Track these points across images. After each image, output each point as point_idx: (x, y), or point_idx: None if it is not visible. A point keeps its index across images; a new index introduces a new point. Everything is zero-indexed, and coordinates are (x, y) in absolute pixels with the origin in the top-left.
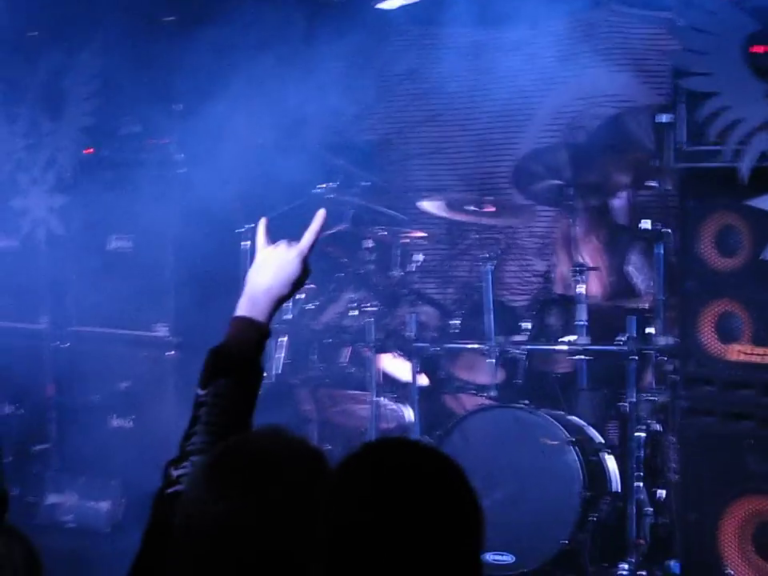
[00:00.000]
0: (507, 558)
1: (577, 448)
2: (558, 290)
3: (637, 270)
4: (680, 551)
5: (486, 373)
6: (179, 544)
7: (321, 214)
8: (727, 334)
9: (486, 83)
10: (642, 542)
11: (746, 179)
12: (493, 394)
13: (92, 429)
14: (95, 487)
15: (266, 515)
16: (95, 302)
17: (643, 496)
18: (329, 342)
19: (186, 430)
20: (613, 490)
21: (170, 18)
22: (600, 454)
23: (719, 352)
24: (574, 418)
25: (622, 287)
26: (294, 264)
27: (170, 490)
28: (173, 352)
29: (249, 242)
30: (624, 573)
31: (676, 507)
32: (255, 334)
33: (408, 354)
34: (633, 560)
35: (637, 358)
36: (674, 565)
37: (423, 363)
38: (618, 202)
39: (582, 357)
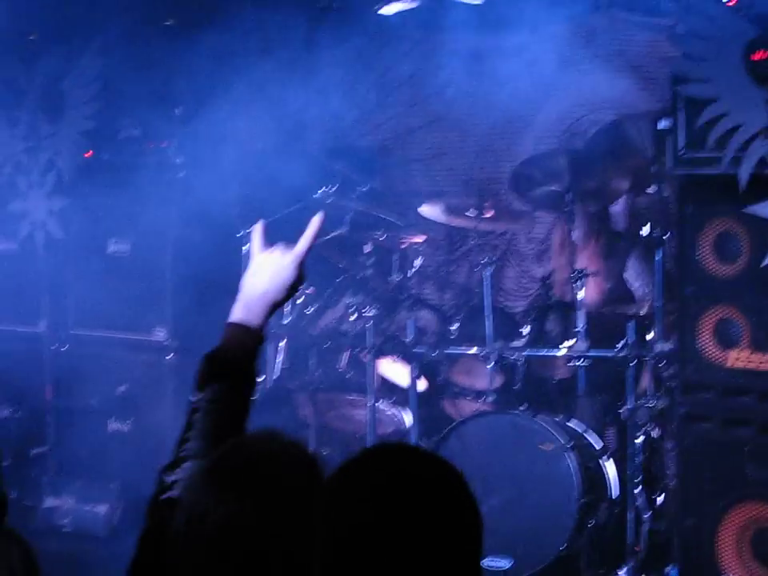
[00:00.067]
0: (505, 564)
1: (575, 454)
2: (557, 295)
3: (635, 276)
4: (678, 557)
5: (484, 378)
6: (178, 549)
7: (316, 220)
8: (726, 340)
9: (486, 89)
10: (639, 547)
11: (745, 186)
12: (491, 399)
13: (90, 432)
14: (93, 491)
15: (266, 518)
16: (94, 306)
17: (641, 502)
18: (327, 346)
19: (180, 436)
20: (611, 495)
21: (170, 22)
22: (598, 460)
23: (718, 358)
24: (572, 423)
25: (620, 293)
26: (290, 269)
27: (163, 496)
28: (171, 356)
29: (248, 246)
30: None
31: (674, 513)
32: (250, 340)
33: (406, 359)
34: (631, 566)
35: (635, 363)
36: (672, 571)
37: (421, 368)
38: (617, 208)
39: (581, 362)
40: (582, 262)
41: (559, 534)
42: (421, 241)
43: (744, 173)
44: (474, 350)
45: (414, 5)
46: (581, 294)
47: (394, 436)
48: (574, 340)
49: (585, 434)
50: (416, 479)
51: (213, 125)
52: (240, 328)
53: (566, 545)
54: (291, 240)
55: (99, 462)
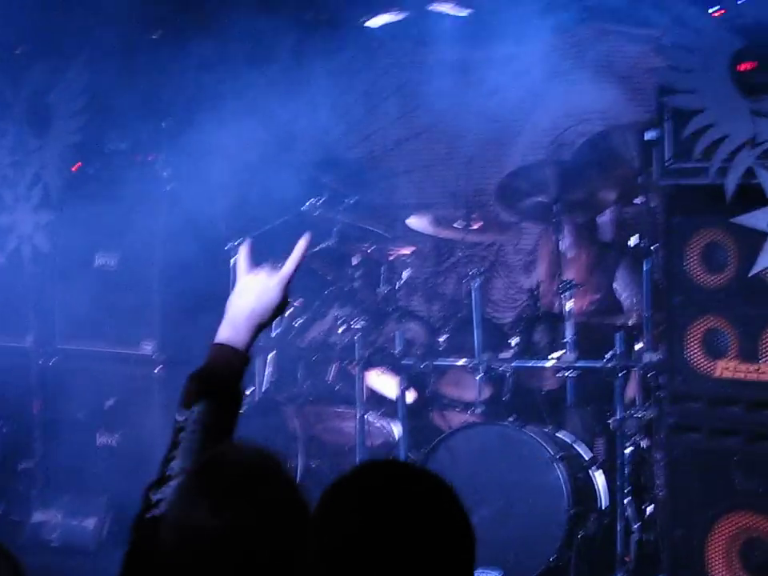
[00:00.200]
0: (494, 574)
1: (564, 464)
2: (545, 306)
3: (623, 287)
4: (667, 567)
5: (472, 389)
6: (170, 564)
7: (302, 242)
8: (714, 351)
9: (473, 100)
10: (629, 558)
11: (731, 196)
12: (479, 410)
13: (78, 446)
14: (81, 505)
15: (261, 526)
16: (81, 319)
17: (631, 512)
18: (315, 358)
19: (166, 454)
20: (600, 506)
21: (157, 35)
22: (587, 471)
23: (706, 368)
24: (561, 434)
25: (608, 303)
26: (275, 291)
27: (149, 514)
28: (159, 369)
29: (235, 259)
30: None
31: (663, 523)
32: (236, 360)
33: (395, 371)
34: (620, 575)
35: (624, 374)
36: None
37: (410, 380)
38: (605, 218)
39: (569, 373)
40: (570, 272)
41: (549, 544)
42: (409, 252)
43: (731, 183)
44: (462, 362)
45: (400, 17)
46: (569, 305)
47: (382, 448)
48: (563, 351)
49: (573, 445)
50: (407, 494)
51: (200, 137)
52: (226, 348)
53: (555, 555)
54: (280, 252)
55: (87, 476)
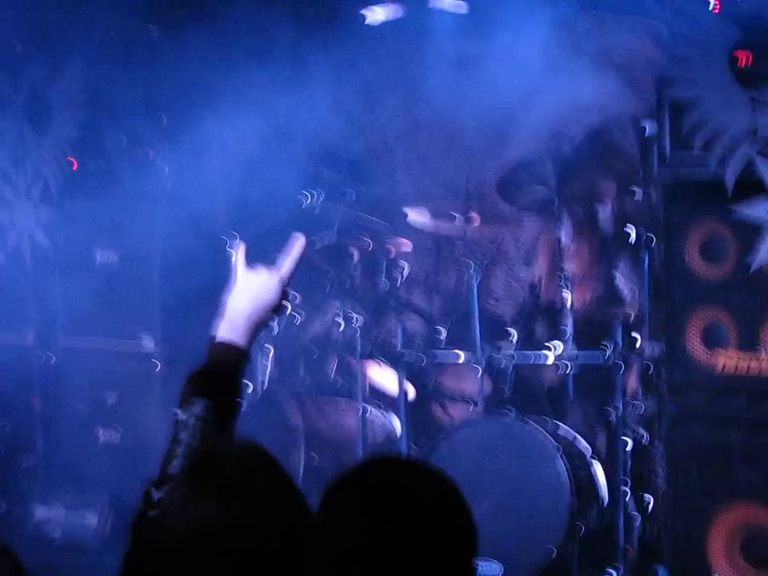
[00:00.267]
0: (496, 567)
1: (565, 458)
2: (545, 300)
3: (625, 279)
4: (668, 559)
5: (473, 383)
6: (169, 561)
7: (300, 242)
8: (714, 342)
9: (472, 94)
10: (630, 549)
11: (731, 188)
12: (480, 404)
13: (79, 443)
14: (83, 501)
15: (258, 522)
16: (82, 316)
17: (631, 504)
18: (315, 353)
19: (166, 454)
20: (601, 498)
21: (157, 30)
22: (588, 463)
23: (706, 360)
24: (561, 426)
25: (609, 295)
26: (274, 290)
27: (150, 514)
28: (160, 365)
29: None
30: None
31: (664, 515)
32: (235, 358)
33: (395, 365)
34: (621, 569)
35: (623, 366)
36: (662, 572)
37: (410, 374)
38: (605, 210)
39: (570, 367)
40: (572, 265)
41: (550, 537)
42: (409, 247)
43: (730, 175)
44: (462, 356)
45: (399, 14)
46: (568, 297)
47: (383, 442)
48: (563, 344)
49: (574, 438)
50: (411, 491)
51: (200, 133)
52: (225, 346)
53: (557, 548)
54: (280, 247)
55: (89, 473)
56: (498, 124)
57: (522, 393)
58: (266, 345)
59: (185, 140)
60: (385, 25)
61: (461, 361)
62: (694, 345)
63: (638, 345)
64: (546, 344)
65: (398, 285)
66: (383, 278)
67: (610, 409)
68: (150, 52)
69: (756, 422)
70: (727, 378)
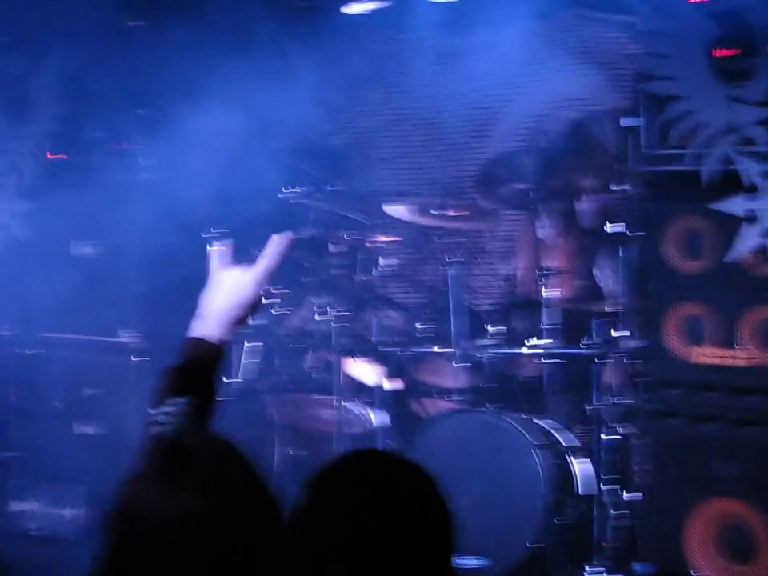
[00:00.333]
0: (474, 562)
1: (542, 451)
2: (524, 293)
3: (604, 273)
4: (645, 553)
5: (451, 377)
6: (135, 555)
7: (276, 240)
8: (692, 337)
9: (452, 87)
10: (608, 544)
11: (709, 182)
12: (458, 398)
13: (56, 435)
14: (60, 494)
15: (226, 513)
16: (59, 308)
17: (609, 499)
18: (294, 346)
19: (141, 451)
20: (579, 493)
21: (136, 22)
22: (566, 458)
23: (684, 354)
24: (540, 421)
25: (589, 290)
26: (250, 287)
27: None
28: (138, 358)
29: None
30: (589, 575)
31: (642, 509)
32: (211, 355)
33: (373, 359)
34: (599, 563)
35: (602, 361)
36: (639, 567)
37: (389, 367)
38: (585, 205)
39: (548, 360)
40: (551, 259)
41: (527, 531)
42: (387, 240)
43: (707, 169)
44: (440, 349)
45: (380, 5)
46: (548, 292)
47: (361, 435)
48: (541, 338)
49: (552, 432)
50: (389, 487)
51: (179, 126)
52: (201, 343)
53: (534, 542)
54: (259, 241)
55: (66, 465)
56: (478, 118)
57: (500, 387)
58: (244, 338)
59: (163, 133)
60: (366, 18)
61: (438, 355)
62: (672, 339)
63: (615, 340)
64: (524, 339)
65: (377, 280)
66: (361, 273)
67: (588, 404)
68: (130, 45)
69: (733, 416)
70: (704, 372)
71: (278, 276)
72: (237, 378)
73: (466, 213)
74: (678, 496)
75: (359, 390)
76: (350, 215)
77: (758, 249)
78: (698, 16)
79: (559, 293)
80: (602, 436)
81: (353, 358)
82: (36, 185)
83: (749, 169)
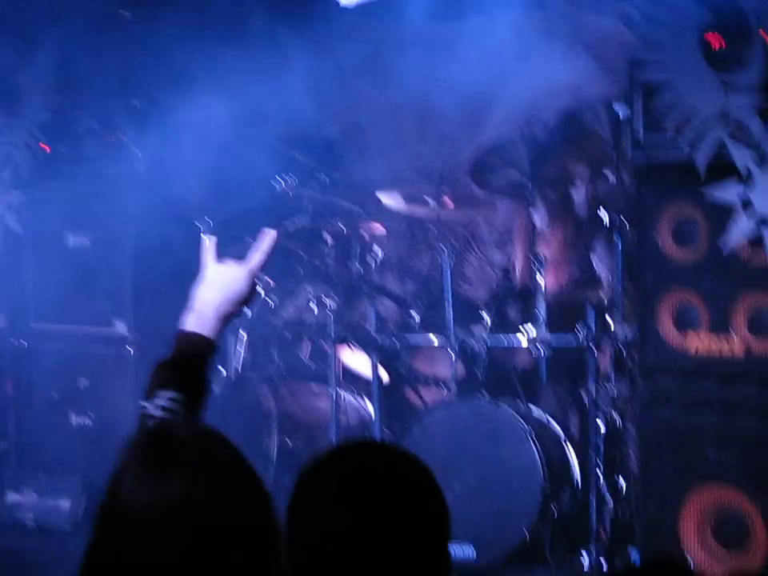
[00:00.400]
0: (468, 550)
1: (537, 440)
2: (518, 282)
3: (601, 261)
4: (641, 541)
5: (446, 366)
6: (143, 541)
7: (271, 235)
8: (685, 325)
9: (445, 77)
10: (602, 532)
11: (702, 170)
12: (453, 387)
13: (51, 426)
14: (55, 485)
15: (212, 501)
16: (54, 299)
17: (604, 486)
18: (288, 336)
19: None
20: (573, 481)
21: (128, 14)
22: (561, 446)
23: (677, 342)
24: (534, 409)
25: (585, 278)
26: (243, 281)
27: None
28: (132, 348)
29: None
30: (585, 563)
31: (636, 497)
32: (203, 349)
33: (368, 348)
34: (594, 550)
35: (596, 349)
36: (634, 554)
37: (383, 357)
38: (579, 194)
39: (543, 349)
40: (547, 248)
41: (523, 520)
42: (382, 230)
43: (702, 157)
44: (435, 340)
45: None
46: (541, 280)
47: (357, 426)
48: (536, 327)
49: (547, 421)
50: (383, 477)
51: (172, 117)
52: (193, 337)
53: (529, 531)
54: (252, 231)
55: (62, 456)
56: (471, 107)
57: (495, 376)
58: (239, 328)
59: (157, 124)
60: (358, 8)
61: (433, 344)
62: (666, 327)
63: (610, 327)
64: (519, 327)
65: (371, 269)
66: (356, 262)
67: (583, 392)
68: (123, 35)
69: (727, 404)
70: (699, 360)
71: (273, 267)
72: (234, 367)
73: (459, 201)
74: (673, 483)
75: (355, 380)
76: (344, 205)
77: (752, 236)
78: (690, 3)
79: (554, 281)
80: (598, 424)
81: (349, 348)
82: (31, 176)
83: (743, 156)
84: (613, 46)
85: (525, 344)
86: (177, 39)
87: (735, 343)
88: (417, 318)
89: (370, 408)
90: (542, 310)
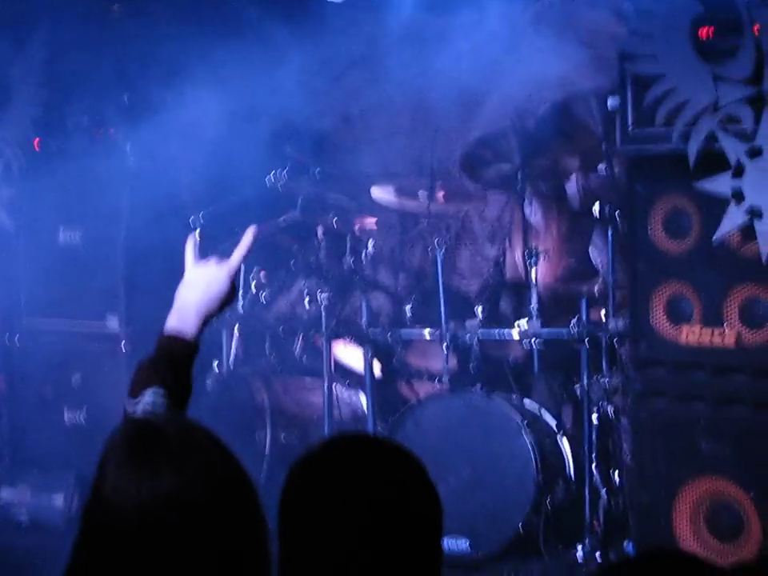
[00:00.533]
0: (463, 543)
1: (531, 432)
2: (511, 275)
3: (598, 252)
4: (634, 533)
5: (439, 359)
6: (131, 537)
7: (249, 233)
8: (678, 317)
9: (436, 69)
10: (596, 524)
11: (694, 162)
12: (446, 380)
13: (45, 423)
14: (49, 482)
15: (200, 495)
16: (46, 295)
17: (598, 479)
18: (281, 331)
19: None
20: (568, 473)
21: (118, 8)
22: (554, 438)
23: (670, 334)
24: (527, 402)
25: (582, 269)
26: (224, 282)
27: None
28: (124, 344)
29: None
30: (580, 555)
31: (630, 489)
32: (184, 349)
33: (361, 342)
34: (588, 542)
35: (589, 341)
36: (628, 546)
37: (376, 350)
38: (571, 186)
39: (535, 342)
40: (540, 241)
41: (517, 512)
42: (373, 223)
43: (693, 148)
44: (428, 332)
45: None
46: (534, 273)
47: (350, 420)
48: (528, 319)
49: (540, 413)
50: (375, 471)
51: (163, 112)
52: (174, 337)
53: (523, 523)
54: (245, 224)
55: (55, 453)
56: (463, 100)
57: (488, 369)
58: (232, 323)
59: (148, 119)
60: (349, 1)
61: (426, 338)
62: (659, 319)
63: (603, 320)
64: (512, 320)
65: (363, 262)
66: (349, 257)
67: (576, 384)
68: (113, 30)
69: (720, 395)
70: (691, 352)
71: (265, 261)
72: (227, 362)
73: (451, 195)
74: (666, 475)
75: (347, 374)
76: (335, 198)
77: (745, 228)
78: None
79: (549, 274)
80: (591, 416)
81: (341, 341)
82: (21, 172)
83: (735, 147)
84: (604, 38)
85: (517, 337)
86: (167, 34)
87: (728, 335)
88: (409, 311)
89: (364, 402)
90: (534, 302)
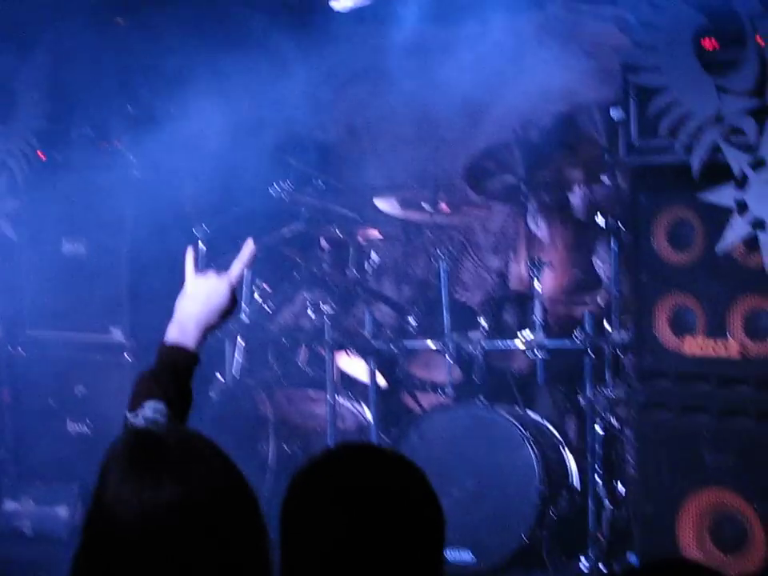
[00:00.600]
0: (466, 555)
1: (535, 444)
2: (515, 286)
3: (602, 263)
4: (638, 544)
5: (443, 371)
6: (132, 547)
7: (249, 245)
8: (682, 328)
9: (440, 81)
10: (600, 536)
11: (697, 173)
12: (450, 392)
13: (49, 434)
14: (53, 493)
15: (202, 503)
16: (50, 307)
17: (601, 490)
18: (285, 342)
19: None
20: (572, 485)
21: (123, 20)
22: (558, 450)
23: (674, 345)
24: (531, 414)
25: (585, 280)
26: (223, 294)
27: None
28: (128, 355)
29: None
30: (584, 567)
31: (634, 500)
32: (185, 360)
33: (365, 354)
34: (592, 554)
35: (593, 353)
36: (632, 557)
37: (380, 362)
38: (575, 198)
39: (539, 353)
40: (544, 252)
41: (521, 524)
42: (377, 234)
43: (696, 160)
44: (432, 344)
45: (367, 2)
46: (538, 285)
47: (354, 431)
48: (532, 330)
49: (544, 425)
50: (378, 481)
51: (166, 122)
52: (175, 349)
53: (527, 535)
54: (245, 237)
55: (59, 464)
56: (467, 112)
57: (492, 381)
58: (236, 334)
59: (152, 130)
60: (355, 12)
61: (431, 349)
62: (662, 330)
63: (607, 331)
64: (516, 332)
65: (368, 274)
66: (353, 268)
67: (580, 396)
68: (117, 41)
69: (724, 406)
70: (695, 363)
71: (269, 273)
72: (231, 374)
73: (455, 206)
74: (670, 486)
75: (351, 385)
76: (339, 210)
77: (749, 239)
78: (684, 6)
79: (553, 285)
80: (595, 428)
81: (346, 353)
82: (25, 183)
83: (738, 159)
84: (608, 50)
85: (521, 348)
86: (171, 46)
87: (731, 346)
88: (414, 323)
89: (368, 413)
90: (538, 313)
